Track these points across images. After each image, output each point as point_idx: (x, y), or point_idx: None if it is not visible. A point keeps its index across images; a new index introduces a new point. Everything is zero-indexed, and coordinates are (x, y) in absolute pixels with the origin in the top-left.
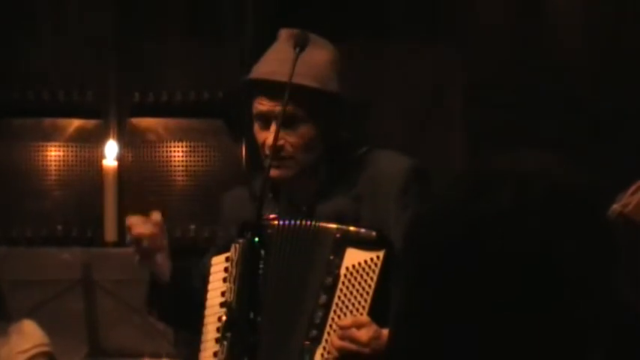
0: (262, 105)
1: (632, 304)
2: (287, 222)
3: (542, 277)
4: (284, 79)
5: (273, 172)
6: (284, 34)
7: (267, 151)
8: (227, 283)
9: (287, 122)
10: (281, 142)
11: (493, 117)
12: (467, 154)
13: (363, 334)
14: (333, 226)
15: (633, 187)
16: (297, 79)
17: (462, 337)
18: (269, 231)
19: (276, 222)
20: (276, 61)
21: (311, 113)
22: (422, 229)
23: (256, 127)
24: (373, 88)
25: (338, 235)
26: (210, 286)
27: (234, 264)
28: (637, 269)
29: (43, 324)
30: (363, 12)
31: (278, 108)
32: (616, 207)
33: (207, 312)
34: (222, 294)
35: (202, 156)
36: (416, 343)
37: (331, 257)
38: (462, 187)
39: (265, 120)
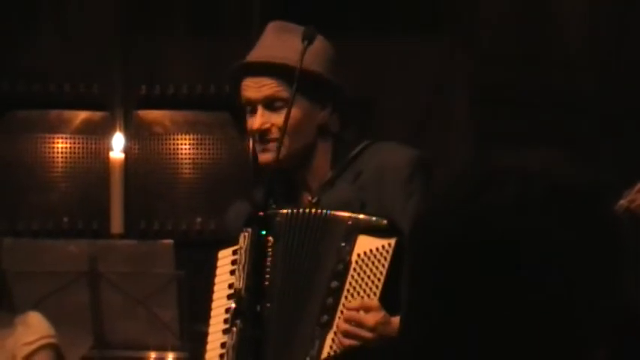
0: (247, 90)
1: (637, 302)
2: (296, 211)
3: (543, 275)
4: (264, 59)
5: (261, 157)
6: (269, 26)
7: (255, 136)
8: (236, 272)
9: (270, 105)
10: (267, 125)
11: (497, 116)
12: (470, 152)
13: (370, 318)
14: (345, 214)
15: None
16: (278, 60)
17: (464, 334)
18: (277, 219)
19: (284, 211)
20: (258, 48)
21: (296, 95)
22: (424, 227)
23: (247, 117)
24: (375, 87)
25: (349, 223)
26: (217, 279)
27: (242, 252)
28: None
29: (49, 316)
30: (365, 9)
31: (262, 89)
32: (623, 203)
33: (214, 304)
34: (230, 286)
35: (209, 149)
36: (420, 339)
37: (342, 244)
38: (465, 185)
39: (252, 106)
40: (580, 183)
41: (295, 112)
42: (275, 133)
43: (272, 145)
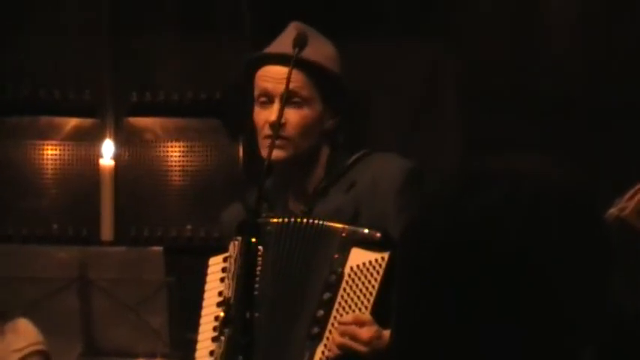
0: (265, 80)
1: (628, 307)
2: (287, 220)
3: (531, 277)
4: (291, 53)
5: (275, 153)
6: (292, 26)
7: (268, 131)
8: (226, 281)
9: (288, 99)
10: (283, 120)
11: (487, 116)
12: (459, 155)
13: (364, 332)
14: (339, 225)
15: (631, 192)
16: (311, 57)
17: (456, 337)
18: (268, 228)
19: (275, 220)
20: (282, 43)
21: (315, 95)
22: (414, 229)
23: (257, 109)
24: (365, 87)
25: (343, 235)
26: (207, 286)
27: (232, 260)
28: (633, 272)
29: (38, 322)
30: (355, 11)
31: (284, 82)
32: (613, 211)
33: (203, 312)
34: (220, 294)
35: (199, 156)
36: (411, 342)
37: (336, 256)
38: (454, 187)
39: (268, 97)
40: (568, 185)
41: (311, 112)
42: (288, 130)
43: (283, 143)
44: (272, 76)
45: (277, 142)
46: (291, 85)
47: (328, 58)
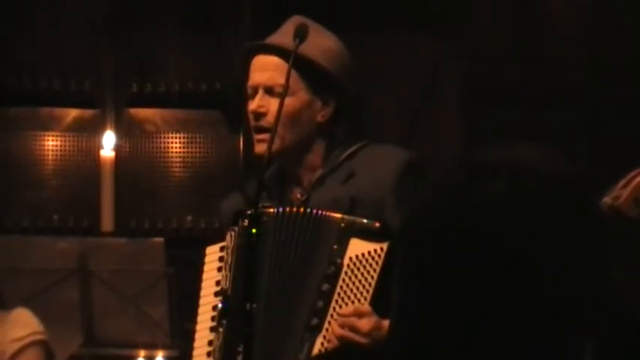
0: (253, 72)
1: (623, 296)
2: (285, 209)
3: (533, 268)
4: (276, 43)
5: (257, 148)
6: (292, 18)
7: (252, 121)
8: (222, 271)
9: (270, 90)
10: (263, 109)
11: (488, 109)
12: (462, 146)
13: (364, 324)
14: (337, 215)
15: (624, 180)
16: (286, 46)
17: (456, 329)
18: (265, 219)
19: (272, 210)
20: (275, 35)
21: (301, 86)
22: (415, 221)
23: (249, 104)
24: (364, 84)
25: (342, 225)
26: (204, 276)
27: (229, 251)
28: (628, 262)
29: (39, 313)
30: (354, 7)
31: (266, 73)
32: (607, 200)
33: (201, 301)
34: (217, 283)
35: (199, 147)
36: (412, 335)
37: (335, 247)
38: (455, 178)
39: (254, 88)
40: (569, 176)
41: (294, 102)
42: (268, 120)
43: (267, 136)
44: (257, 66)
45: (261, 136)
46: (272, 74)
47: (324, 51)
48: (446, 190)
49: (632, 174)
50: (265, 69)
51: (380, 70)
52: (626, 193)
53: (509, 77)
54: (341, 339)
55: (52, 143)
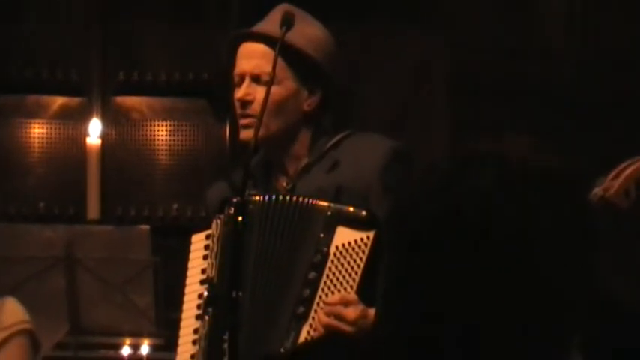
0: (239, 60)
1: (612, 287)
2: (270, 197)
3: (520, 259)
4: (261, 31)
5: (242, 134)
6: (280, 6)
7: (238, 109)
8: (208, 259)
9: (257, 78)
10: (249, 97)
11: (477, 103)
12: (450, 140)
13: (351, 312)
14: (324, 203)
15: (614, 172)
16: (271, 34)
17: (444, 320)
18: (251, 207)
19: (258, 198)
20: (261, 23)
21: (288, 75)
22: (403, 213)
23: (235, 90)
24: (352, 75)
25: (329, 213)
26: (190, 264)
27: (215, 239)
28: (617, 253)
29: (25, 301)
30: None
31: (252, 61)
32: (597, 191)
33: (187, 289)
34: (203, 271)
35: (186, 135)
36: (398, 325)
37: (321, 235)
38: (443, 169)
39: (242, 77)
40: (556, 167)
41: (280, 90)
42: (254, 108)
43: (252, 122)
44: (244, 54)
45: (246, 121)
46: (259, 62)
47: (311, 40)
48: (433, 180)
49: (623, 166)
50: (252, 57)
51: (368, 61)
52: (616, 184)
53: (498, 70)
54: (327, 327)
55: (38, 131)
